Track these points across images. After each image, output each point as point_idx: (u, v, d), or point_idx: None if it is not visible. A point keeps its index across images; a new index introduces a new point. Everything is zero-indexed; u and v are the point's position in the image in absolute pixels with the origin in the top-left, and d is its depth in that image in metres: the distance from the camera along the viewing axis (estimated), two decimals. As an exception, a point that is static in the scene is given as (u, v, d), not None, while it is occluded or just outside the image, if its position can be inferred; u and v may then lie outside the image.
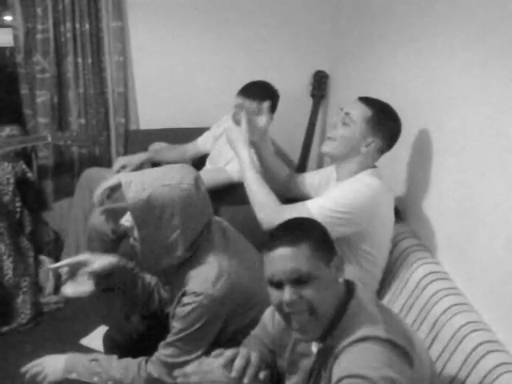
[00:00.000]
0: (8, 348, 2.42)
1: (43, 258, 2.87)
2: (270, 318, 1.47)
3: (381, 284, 1.97)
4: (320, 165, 3.20)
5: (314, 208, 1.77)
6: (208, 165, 2.76)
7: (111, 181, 2.28)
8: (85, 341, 2.48)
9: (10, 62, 3.22)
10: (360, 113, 1.86)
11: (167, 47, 3.05)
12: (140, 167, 2.73)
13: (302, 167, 3.01)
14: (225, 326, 1.60)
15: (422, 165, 2.04)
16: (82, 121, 3.00)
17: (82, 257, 1.79)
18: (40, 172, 3.06)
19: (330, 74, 3.14)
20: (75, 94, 2.94)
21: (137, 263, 1.74)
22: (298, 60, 3.15)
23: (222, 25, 3.04)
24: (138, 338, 1.90)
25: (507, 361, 1.38)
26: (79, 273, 2.78)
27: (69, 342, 2.41)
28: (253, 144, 2.11)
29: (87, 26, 2.82)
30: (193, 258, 1.59)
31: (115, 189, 2.26)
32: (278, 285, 1.23)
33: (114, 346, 1.89)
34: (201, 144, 2.86)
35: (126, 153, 3.06)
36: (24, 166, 2.85)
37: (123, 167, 2.72)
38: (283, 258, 1.22)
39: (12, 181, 2.69)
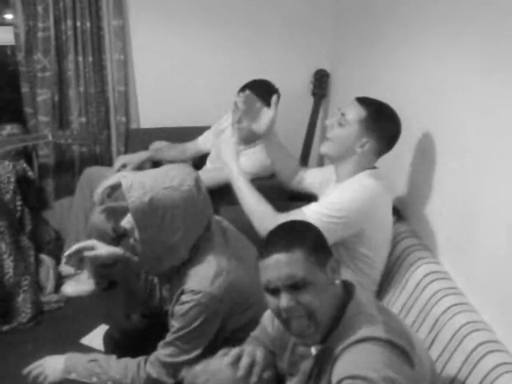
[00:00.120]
0: (8, 347, 2.41)
1: (44, 256, 2.86)
2: (269, 320, 1.47)
3: (380, 285, 1.97)
4: (320, 164, 3.20)
5: (310, 214, 1.77)
6: (208, 164, 2.76)
7: (112, 179, 2.29)
8: (85, 340, 2.48)
9: (10, 60, 3.22)
10: (355, 113, 1.86)
11: (168, 46, 3.05)
12: (140, 166, 2.73)
13: (302, 166, 3.01)
14: (223, 324, 1.60)
15: (423, 165, 2.04)
16: (83, 119, 3.00)
17: (90, 242, 1.79)
18: (41, 171, 3.07)
19: (330, 72, 3.14)
20: (76, 93, 2.94)
21: (138, 264, 1.73)
22: (299, 59, 3.15)
23: (222, 23, 3.04)
24: (138, 336, 1.90)
25: (507, 361, 1.37)
26: (81, 271, 2.81)
27: (69, 341, 2.41)
28: (260, 136, 2.13)
29: (88, 25, 2.82)
30: (193, 257, 1.60)
31: (116, 188, 2.27)
32: (275, 291, 1.23)
33: (114, 344, 1.89)
34: (201, 143, 2.86)
35: (126, 151, 3.07)
36: (25, 165, 2.84)
37: (124, 166, 2.72)
38: (278, 265, 1.21)
39: (13, 179, 2.69)
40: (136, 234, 1.56)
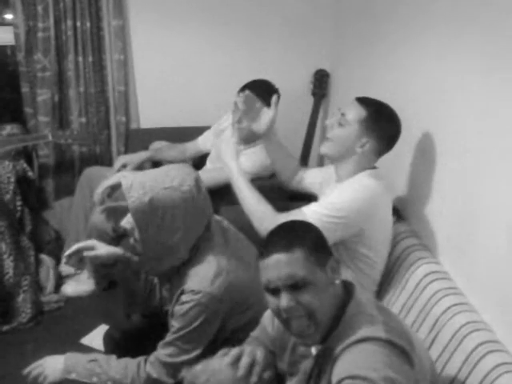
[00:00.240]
0: (8, 347, 2.41)
1: (44, 256, 2.86)
2: (269, 320, 1.47)
3: (380, 285, 1.97)
4: (320, 164, 3.20)
5: (310, 214, 1.77)
6: (208, 164, 2.76)
7: (112, 179, 2.29)
8: (85, 340, 2.48)
9: (10, 60, 3.22)
10: (355, 113, 1.86)
11: (168, 46, 3.05)
12: (141, 166, 2.73)
13: (302, 166, 3.01)
14: (223, 324, 1.60)
15: (423, 164, 2.04)
16: (83, 119, 3.00)
17: (90, 242, 1.79)
18: (41, 171, 3.07)
19: (330, 72, 3.14)
20: (76, 93, 2.94)
21: (138, 264, 1.74)
22: (299, 59, 3.15)
23: (222, 23, 3.04)
24: (138, 336, 1.90)
25: (507, 361, 1.37)
26: (80, 272, 2.81)
27: (69, 341, 2.41)
28: (260, 136, 2.13)
29: (88, 25, 2.83)
30: (193, 257, 1.60)
31: (116, 187, 2.27)
32: (275, 291, 1.23)
33: (114, 344, 1.89)
34: (201, 143, 2.86)
35: (126, 151, 3.07)
36: (25, 165, 2.84)
37: (124, 166, 2.73)
38: (278, 264, 1.21)
39: (13, 179, 2.69)
40: (136, 234, 1.56)
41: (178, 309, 1.55)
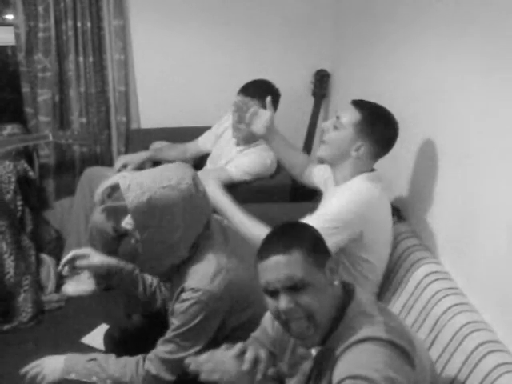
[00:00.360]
0: (9, 346, 2.42)
1: (44, 256, 2.87)
2: (269, 321, 1.47)
3: (380, 286, 1.97)
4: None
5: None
6: (209, 164, 2.76)
7: (112, 179, 2.29)
8: (86, 339, 2.48)
9: (11, 60, 3.22)
10: (349, 117, 1.85)
11: (168, 46, 3.05)
12: (141, 166, 2.73)
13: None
14: (223, 322, 1.60)
15: (423, 165, 2.04)
16: (84, 119, 3.00)
17: (85, 250, 1.81)
18: (41, 171, 3.07)
19: (331, 72, 3.14)
20: (76, 93, 2.94)
21: (138, 264, 1.74)
22: (300, 59, 3.15)
23: (222, 23, 3.04)
24: (138, 336, 1.90)
25: (508, 361, 1.37)
26: (81, 272, 2.81)
27: (70, 341, 2.42)
28: (261, 137, 2.13)
29: (88, 25, 2.83)
30: (193, 256, 1.60)
31: (116, 188, 2.27)
32: (274, 293, 1.23)
33: (114, 344, 1.90)
34: (201, 143, 2.86)
35: (127, 151, 3.07)
36: (25, 165, 2.84)
37: (124, 166, 2.73)
38: (276, 266, 1.21)
39: (13, 179, 2.69)
40: (137, 234, 1.56)
41: (178, 306, 1.56)
